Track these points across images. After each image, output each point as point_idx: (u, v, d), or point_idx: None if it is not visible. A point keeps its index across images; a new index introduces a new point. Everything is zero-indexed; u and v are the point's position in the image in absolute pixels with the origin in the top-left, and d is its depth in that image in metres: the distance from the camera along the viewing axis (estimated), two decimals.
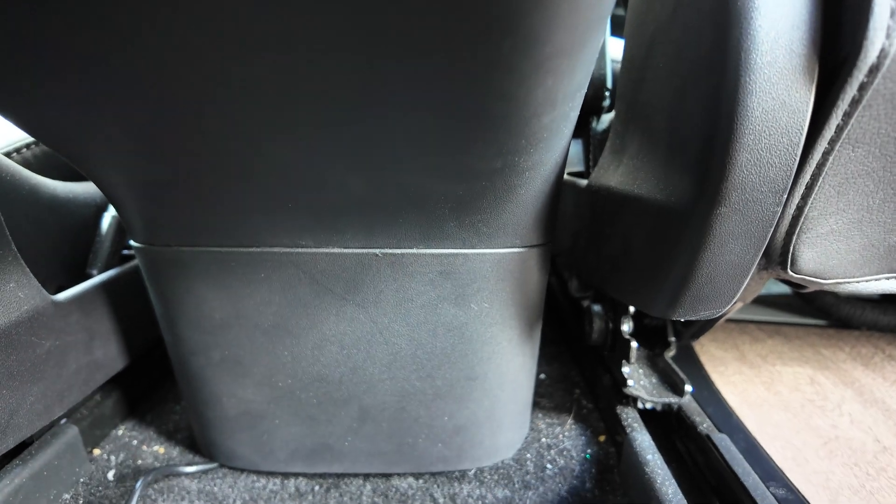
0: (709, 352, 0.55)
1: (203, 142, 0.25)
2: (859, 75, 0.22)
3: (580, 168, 0.51)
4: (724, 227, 0.25)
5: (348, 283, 0.32)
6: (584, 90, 0.23)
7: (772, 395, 0.47)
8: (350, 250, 0.31)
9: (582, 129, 0.50)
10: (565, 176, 0.40)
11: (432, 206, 0.28)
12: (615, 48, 0.51)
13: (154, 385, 0.49)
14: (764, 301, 0.68)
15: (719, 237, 0.26)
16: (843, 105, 0.23)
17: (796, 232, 0.27)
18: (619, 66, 0.40)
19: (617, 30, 0.55)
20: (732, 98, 0.23)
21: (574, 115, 0.25)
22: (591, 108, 0.48)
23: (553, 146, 0.25)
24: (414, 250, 0.31)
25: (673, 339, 0.44)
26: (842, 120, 0.23)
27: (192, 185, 0.28)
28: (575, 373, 0.52)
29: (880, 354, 0.56)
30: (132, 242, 0.33)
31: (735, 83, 0.23)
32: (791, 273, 0.29)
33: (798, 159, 0.24)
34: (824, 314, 0.62)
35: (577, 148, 0.51)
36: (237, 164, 0.26)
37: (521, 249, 0.32)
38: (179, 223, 0.30)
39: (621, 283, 0.33)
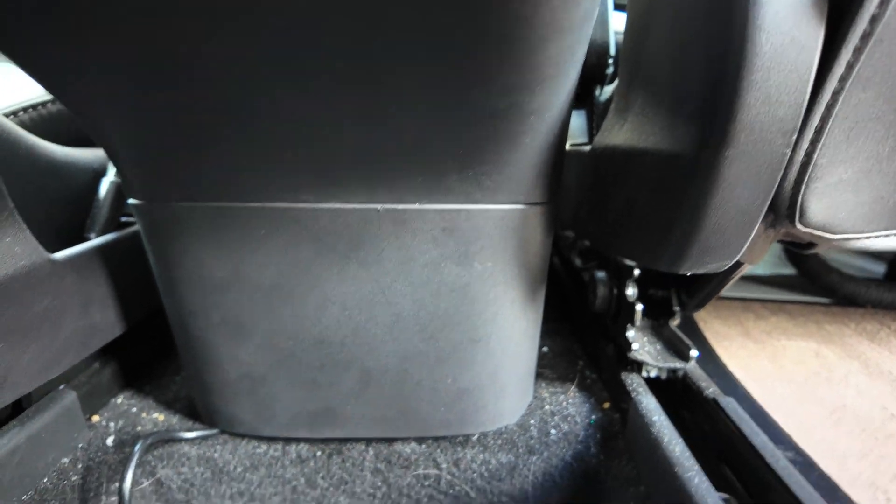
0: (713, 328, 0.55)
1: (202, 87, 0.25)
2: (870, 6, 0.21)
3: (584, 140, 0.51)
4: (732, 171, 0.25)
5: (350, 242, 0.32)
6: (591, 22, 0.23)
7: (776, 368, 0.47)
8: (351, 206, 0.31)
9: (585, 101, 0.49)
10: (568, 146, 0.39)
11: (434, 157, 0.28)
12: (618, 21, 0.50)
13: (153, 357, 0.49)
14: (768, 281, 0.67)
15: (727, 182, 0.25)
16: (853, 39, 0.22)
17: (805, 181, 0.27)
18: (622, 37, 0.39)
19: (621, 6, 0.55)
20: (741, 35, 0.23)
21: (580, 54, 0.24)
22: (594, 76, 0.48)
23: (558, 88, 0.25)
24: (416, 206, 0.31)
25: (677, 308, 0.44)
26: (852, 56, 0.23)
27: (191, 134, 0.27)
28: (577, 347, 0.51)
29: (886, 330, 0.55)
30: (131, 201, 0.32)
31: (744, 20, 0.22)
32: (799, 226, 0.29)
33: (808, 98, 0.23)
34: (829, 292, 0.61)
35: (579, 120, 0.51)
36: (236, 112, 0.26)
37: (524, 206, 0.31)
38: (178, 176, 0.30)
39: (627, 243, 0.32)
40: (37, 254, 0.32)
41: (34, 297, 0.32)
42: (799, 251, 0.39)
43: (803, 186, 0.27)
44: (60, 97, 0.27)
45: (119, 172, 0.32)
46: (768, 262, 0.69)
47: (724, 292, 0.44)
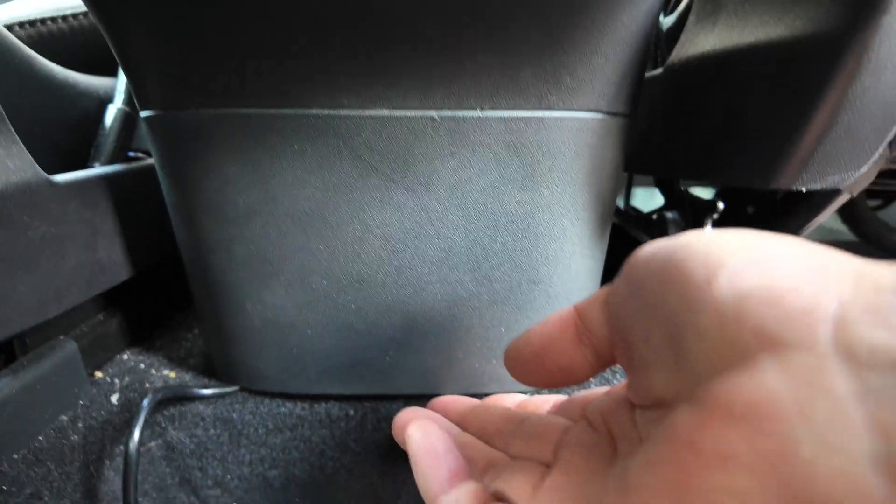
0: None
1: None
2: None
3: None
4: (883, 49, 0.20)
5: (397, 160, 0.27)
6: None
7: None
8: (401, 112, 0.26)
9: None
10: None
11: (509, 37, 0.23)
12: None
13: (165, 310, 0.44)
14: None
15: (875, 64, 0.21)
16: None
17: None
18: None
19: None
20: None
21: None
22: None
23: None
24: (478, 112, 0.26)
25: None
26: None
27: (216, 17, 0.23)
28: None
29: None
30: (144, 114, 0.28)
31: None
32: None
33: None
34: (892, 255, 0.57)
35: None
36: None
37: (604, 116, 0.27)
38: (200, 75, 0.25)
39: (724, 161, 0.28)
40: (33, 171, 0.28)
41: (31, 220, 0.27)
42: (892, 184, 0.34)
43: None
44: None
45: (133, 81, 0.27)
46: (822, 227, 0.65)
47: None
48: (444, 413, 0.24)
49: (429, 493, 0.17)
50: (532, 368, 0.17)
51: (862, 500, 0.07)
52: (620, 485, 0.12)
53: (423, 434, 0.18)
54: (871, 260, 0.10)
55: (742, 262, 0.10)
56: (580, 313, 0.17)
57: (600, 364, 0.16)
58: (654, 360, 0.12)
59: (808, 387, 0.08)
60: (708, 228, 0.36)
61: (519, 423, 0.20)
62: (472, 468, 0.18)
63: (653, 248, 0.13)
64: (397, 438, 0.31)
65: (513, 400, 0.25)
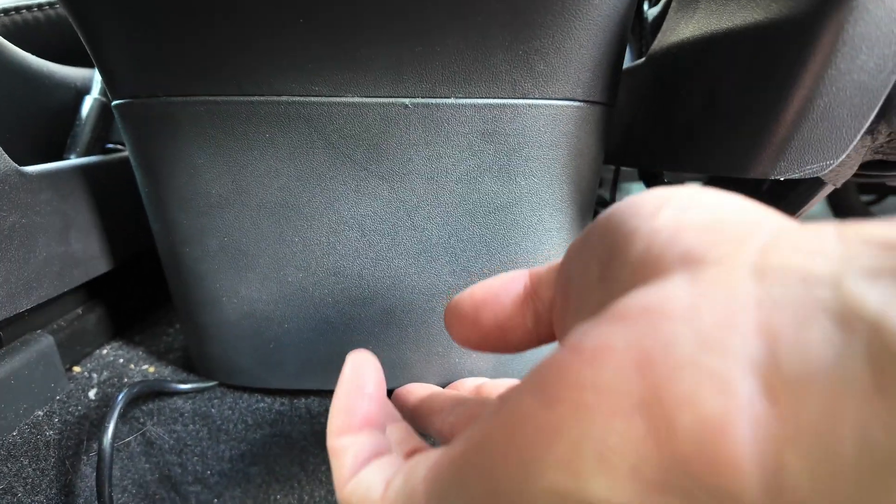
0: None
1: None
2: None
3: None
4: (858, 29, 0.20)
5: (370, 148, 0.27)
6: None
7: None
8: (373, 99, 0.25)
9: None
10: None
11: (480, 23, 0.23)
12: None
13: (145, 305, 0.44)
14: None
15: (850, 46, 0.20)
16: None
17: None
18: None
19: None
20: None
21: None
22: None
23: None
24: (451, 100, 0.25)
25: None
26: None
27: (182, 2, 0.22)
28: None
29: None
30: (115, 103, 0.27)
31: None
32: None
33: None
34: None
35: None
36: None
37: (581, 104, 0.26)
38: (168, 61, 0.25)
39: (704, 148, 0.27)
40: (1, 162, 0.27)
41: None
42: (879, 176, 0.34)
43: None
44: None
45: (103, 70, 0.27)
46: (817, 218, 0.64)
47: None
48: (405, 400, 0.23)
49: (338, 425, 0.15)
50: (468, 322, 0.16)
51: (725, 401, 0.07)
52: (497, 402, 0.11)
53: (358, 362, 0.17)
54: None
55: (691, 199, 0.10)
56: (532, 273, 0.16)
57: (537, 333, 0.15)
58: (583, 293, 0.12)
59: (707, 294, 0.08)
60: None
61: (460, 403, 0.19)
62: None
63: (613, 206, 0.13)
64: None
65: (474, 382, 0.24)
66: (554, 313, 0.14)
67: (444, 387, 0.32)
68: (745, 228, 0.09)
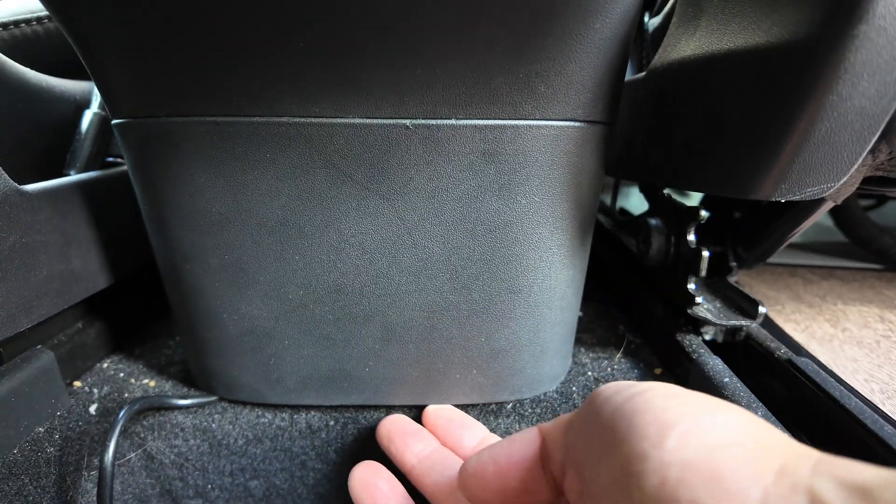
0: (760, 292, 0.50)
1: None
2: None
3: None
4: (860, 56, 0.20)
5: (371, 168, 0.27)
6: None
7: (840, 331, 0.42)
8: (374, 121, 0.25)
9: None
10: None
11: (480, 45, 0.23)
12: None
13: (146, 318, 0.44)
14: (813, 248, 0.62)
15: (851, 73, 0.20)
16: None
17: None
18: None
19: None
20: None
21: None
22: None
23: None
24: (452, 121, 0.25)
25: (734, 264, 0.39)
26: None
27: (183, 21, 0.22)
28: (615, 311, 0.46)
29: None
30: (115, 121, 0.27)
31: None
32: None
33: None
34: (882, 258, 0.57)
35: None
36: None
37: (581, 124, 0.26)
38: (169, 81, 0.24)
39: (704, 167, 0.27)
40: (1, 181, 0.27)
41: None
42: (879, 191, 0.34)
43: None
44: None
45: (102, 89, 0.27)
46: (812, 229, 0.64)
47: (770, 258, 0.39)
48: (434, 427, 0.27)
49: None
50: (493, 487, 0.18)
51: None
52: None
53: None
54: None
55: (691, 429, 0.12)
56: (544, 434, 0.17)
57: (556, 494, 0.17)
58: (601, 494, 0.13)
59: None
60: (692, 236, 0.36)
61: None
62: None
63: (614, 390, 0.14)
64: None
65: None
66: (567, 482, 0.16)
67: (448, 404, 0.32)
68: (742, 479, 0.11)
